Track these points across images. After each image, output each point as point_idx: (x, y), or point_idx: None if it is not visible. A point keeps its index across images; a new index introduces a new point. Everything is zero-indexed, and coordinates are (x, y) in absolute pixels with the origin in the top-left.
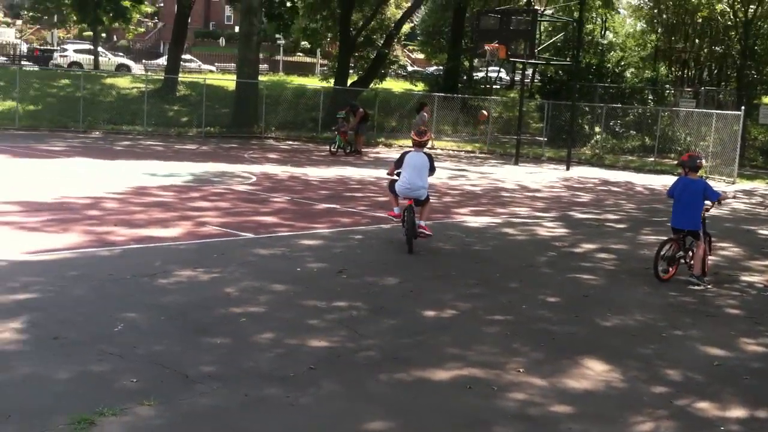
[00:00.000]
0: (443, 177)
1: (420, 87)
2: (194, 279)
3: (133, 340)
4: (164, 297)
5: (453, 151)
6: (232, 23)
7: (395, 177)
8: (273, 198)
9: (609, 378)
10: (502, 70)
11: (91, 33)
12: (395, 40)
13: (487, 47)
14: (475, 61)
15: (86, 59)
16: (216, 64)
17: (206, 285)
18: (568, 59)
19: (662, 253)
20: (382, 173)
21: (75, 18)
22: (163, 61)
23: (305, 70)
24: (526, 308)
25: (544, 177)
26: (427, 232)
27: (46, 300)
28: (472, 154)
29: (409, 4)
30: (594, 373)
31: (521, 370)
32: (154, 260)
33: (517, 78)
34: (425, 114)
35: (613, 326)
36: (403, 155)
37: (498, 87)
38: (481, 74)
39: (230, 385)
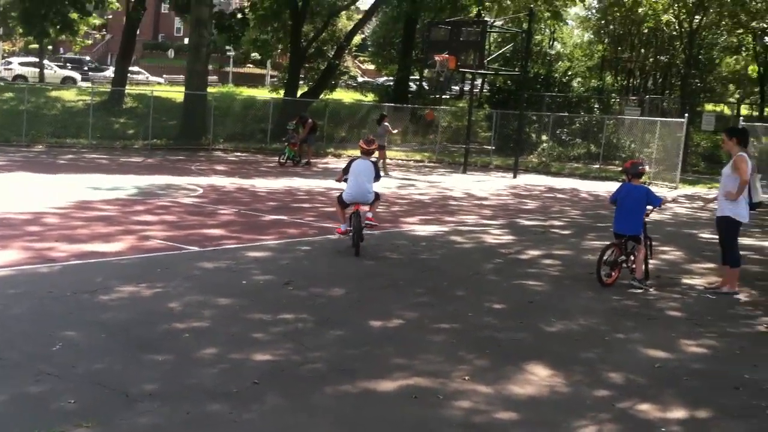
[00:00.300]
0: (392, 186)
1: (370, 97)
2: (137, 294)
3: (72, 359)
4: (105, 314)
5: (402, 160)
6: (181, 35)
7: (343, 186)
8: (220, 210)
9: (553, 383)
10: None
11: (36, 46)
12: (346, 51)
13: (437, 58)
14: (425, 71)
15: (32, 72)
16: (165, 76)
17: (149, 300)
18: (516, 69)
19: (605, 258)
20: (331, 183)
21: (21, 31)
22: (110, 73)
23: (255, 81)
24: (472, 316)
25: (492, 185)
26: (373, 223)
27: None
28: (421, 164)
29: (361, 16)
30: (538, 378)
31: (466, 377)
32: (95, 276)
33: (466, 88)
34: (387, 124)
35: (558, 331)
36: (350, 163)
37: (447, 97)
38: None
39: (172, 402)
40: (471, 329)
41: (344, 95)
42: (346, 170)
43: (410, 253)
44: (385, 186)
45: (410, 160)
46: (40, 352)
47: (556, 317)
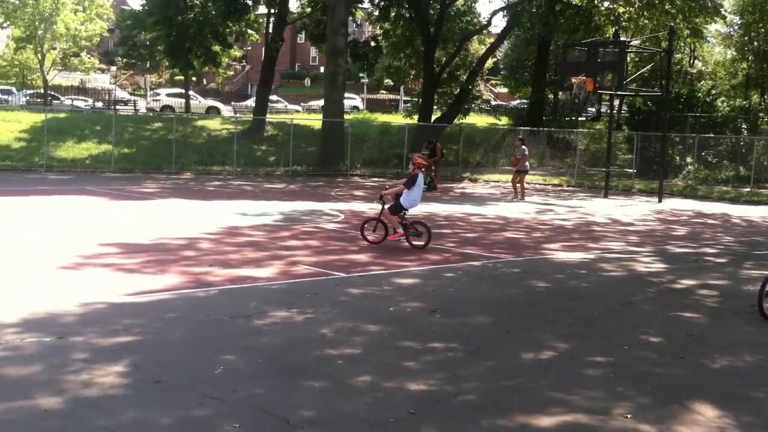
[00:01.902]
0: (531, 212)
1: (504, 121)
2: (289, 320)
3: (232, 383)
4: (261, 338)
5: (540, 184)
6: (317, 64)
7: (398, 200)
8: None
9: (722, 425)
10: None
11: (182, 77)
12: (478, 76)
13: (574, 80)
14: (560, 93)
15: (178, 103)
16: (302, 104)
17: (301, 326)
18: (656, 89)
19: (766, 289)
20: (469, 209)
21: (167, 63)
22: (251, 102)
23: (389, 107)
24: (628, 349)
25: (636, 210)
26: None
27: (147, 342)
28: (559, 188)
29: (492, 40)
30: (706, 419)
31: (629, 416)
32: (249, 301)
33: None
34: (524, 148)
35: (722, 368)
36: (416, 175)
37: (583, 119)
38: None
39: (330, 430)
40: (628, 363)
41: (478, 119)
42: (413, 181)
43: (556, 281)
44: (523, 211)
45: (548, 185)
46: (201, 376)
47: (719, 353)
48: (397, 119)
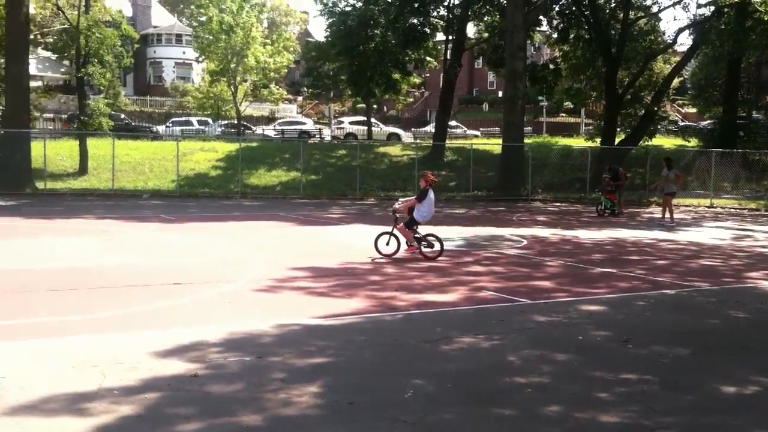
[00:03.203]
0: (727, 238)
1: (693, 143)
2: (475, 346)
3: (422, 407)
4: (448, 364)
5: (734, 209)
6: (494, 88)
7: (411, 215)
8: (546, 262)
9: None
10: None
11: (363, 105)
12: (664, 96)
13: None
14: (753, 113)
15: (360, 130)
16: (480, 128)
17: (488, 352)
18: None
19: None
20: (659, 235)
21: (349, 92)
22: (430, 128)
23: (569, 130)
24: None
25: None
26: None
27: (339, 364)
28: (756, 212)
29: (678, 59)
30: None
31: None
32: (434, 326)
33: None
34: (669, 169)
35: None
36: (427, 191)
37: None
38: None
39: None
40: None
41: (665, 141)
42: (423, 196)
43: (758, 311)
44: (720, 238)
45: (744, 209)
46: (392, 399)
47: None
48: (578, 142)
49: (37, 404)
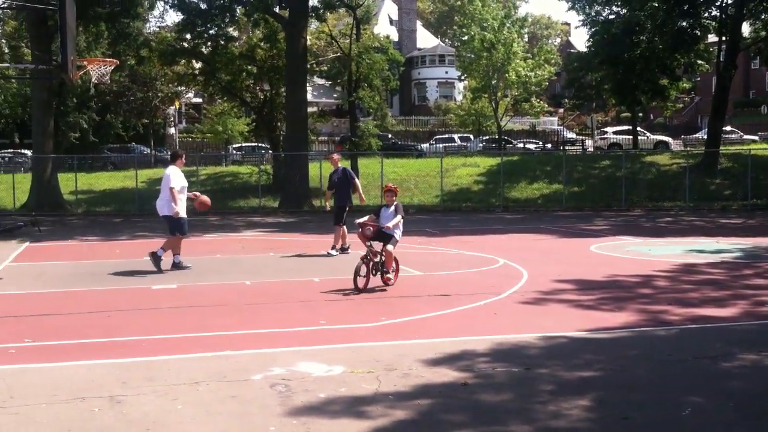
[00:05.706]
0: None
1: None
2: (760, 363)
3: (701, 427)
4: (729, 382)
5: None
6: None
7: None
8: None
9: None
10: None
11: (628, 114)
12: None
13: None
14: None
15: (625, 139)
16: (759, 133)
17: None
18: None
19: None
20: None
21: (613, 101)
22: (701, 134)
23: None
24: None
25: None
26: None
27: (610, 378)
28: None
29: None
30: None
31: None
32: (713, 342)
33: None
34: None
35: None
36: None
37: None
38: None
39: None
40: None
41: None
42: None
43: None
44: None
45: None
46: (668, 416)
47: None
48: None
49: (320, 406)
